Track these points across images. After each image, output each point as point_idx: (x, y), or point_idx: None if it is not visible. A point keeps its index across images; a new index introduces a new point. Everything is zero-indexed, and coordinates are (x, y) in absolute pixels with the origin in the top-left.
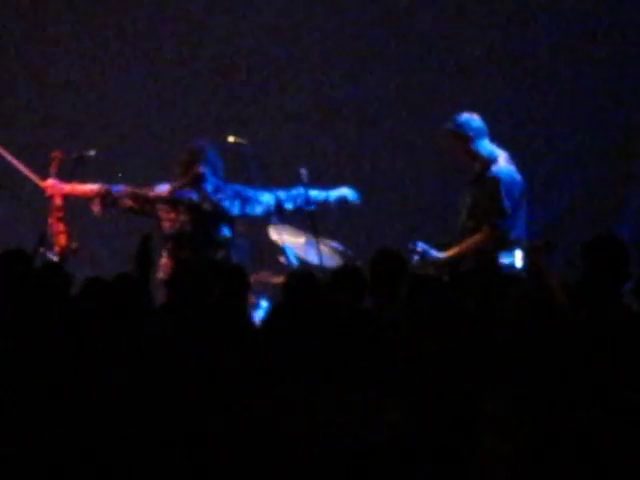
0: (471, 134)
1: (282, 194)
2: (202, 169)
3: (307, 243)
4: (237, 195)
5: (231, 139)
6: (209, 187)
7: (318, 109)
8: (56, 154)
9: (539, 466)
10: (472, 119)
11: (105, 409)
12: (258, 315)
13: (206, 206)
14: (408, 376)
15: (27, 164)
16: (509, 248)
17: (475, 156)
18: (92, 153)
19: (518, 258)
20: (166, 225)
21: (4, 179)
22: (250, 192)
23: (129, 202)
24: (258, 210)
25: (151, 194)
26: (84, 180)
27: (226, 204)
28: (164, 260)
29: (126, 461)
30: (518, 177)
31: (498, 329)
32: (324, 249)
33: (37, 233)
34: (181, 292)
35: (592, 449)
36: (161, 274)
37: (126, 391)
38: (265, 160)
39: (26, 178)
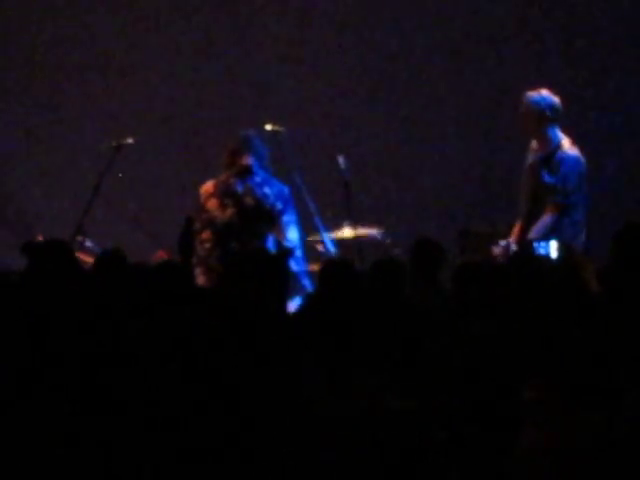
0: (550, 115)
1: (299, 251)
2: (249, 160)
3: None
4: (282, 197)
5: (269, 127)
6: (256, 179)
7: (357, 95)
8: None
9: (575, 457)
10: (555, 100)
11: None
12: (295, 303)
13: (249, 200)
14: (445, 363)
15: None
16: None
17: (544, 138)
18: (131, 141)
19: (554, 249)
20: (216, 219)
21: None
22: (293, 216)
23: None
24: (288, 233)
25: (201, 201)
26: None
27: (270, 199)
28: (214, 253)
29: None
30: (582, 160)
31: (534, 317)
32: (361, 232)
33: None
34: (229, 280)
35: (629, 441)
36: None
37: (168, 371)
38: (304, 148)
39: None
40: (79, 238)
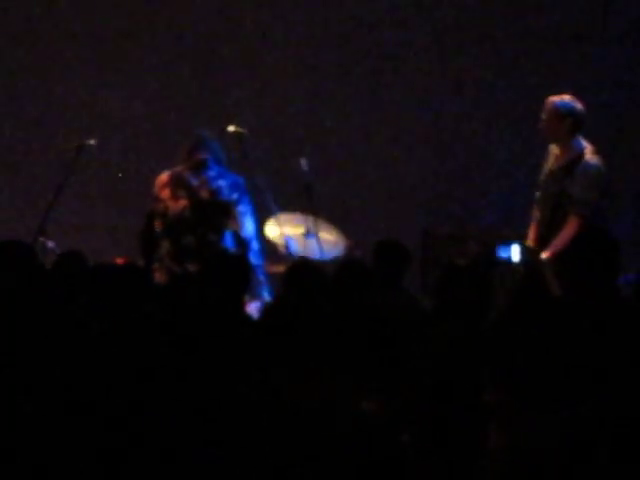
0: (571, 121)
1: (255, 243)
2: (204, 155)
3: (307, 234)
4: (237, 188)
5: (231, 128)
6: (211, 173)
7: (321, 100)
8: None
9: (538, 460)
10: (578, 107)
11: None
12: (256, 306)
13: (204, 193)
14: (407, 366)
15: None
16: None
17: (566, 144)
18: (93, 142)
19: (515, 253)
20: (168, 209)
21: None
22: (248, 206)
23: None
24: (244, 224)
25: (155, 190)
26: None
27: (225, 192)
28: (165, 245)
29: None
30: (605, 169)
31: (495, 320)
32: (325, 238)
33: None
34: (183, 279)
35: (589, 440)
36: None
37: (126, 372)
38: (265, 150)
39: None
40: (41, 239)
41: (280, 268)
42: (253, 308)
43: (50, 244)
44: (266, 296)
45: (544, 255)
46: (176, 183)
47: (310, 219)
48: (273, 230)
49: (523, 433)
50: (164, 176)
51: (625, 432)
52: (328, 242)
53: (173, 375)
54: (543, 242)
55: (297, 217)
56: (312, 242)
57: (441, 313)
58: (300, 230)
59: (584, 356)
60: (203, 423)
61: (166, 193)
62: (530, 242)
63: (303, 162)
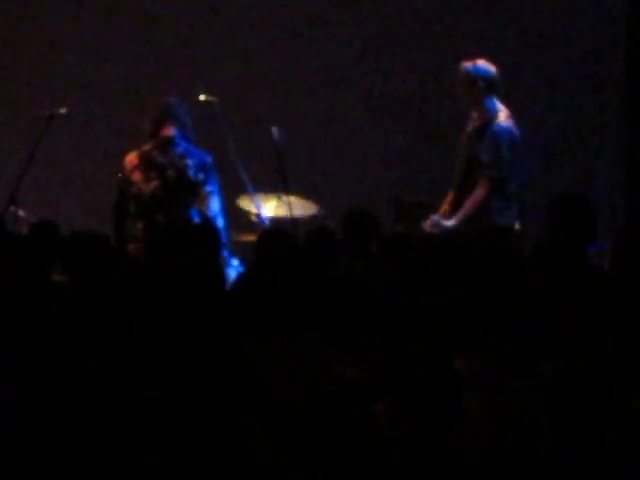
0: (483, 85)
1: (220, 220)
2: (171, 132)
3: (279, 203)
4: (204, 167)
5: (202, 97)
6: (178, 150)
7: (293, 70)
8: None
9: (514, 426)
10: (490, 70)
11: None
12: (230, 273)
13: (170, 172)
14: (378, 334)
15: None
16: (507, 200)
17: (480, 108)
18: (63, 111)
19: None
20: (141, 191)
21: None
22: (215, 186)
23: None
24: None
25: (126, 173)
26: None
27: (190, 172)
28: (140, 226)
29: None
30: (516, 132)
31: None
32: (296, 204)
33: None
34: (155, 249)
35: (558, 402)
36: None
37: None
38: (236, 119)
39: None
40: (12, 208)
41: (251, 237)
42: None
43: (22, 213)
44: (231, 272)
45: (451, 222)
46: (146, 164)
47: (281, 193)
48: (246, 203)
49: (498, 400)
50: (133, 157)
51: (597, 394)
52: (299, 205)
53: (150, 344)
54: (457, 207)
55: (269, 194)
56: (283, 206)
57: (410, 281)
58: (272, 201)
59: (555, 320)
60: (179, 393)
61: (137, 175)
62: (445, 206)
63: (274, 131)
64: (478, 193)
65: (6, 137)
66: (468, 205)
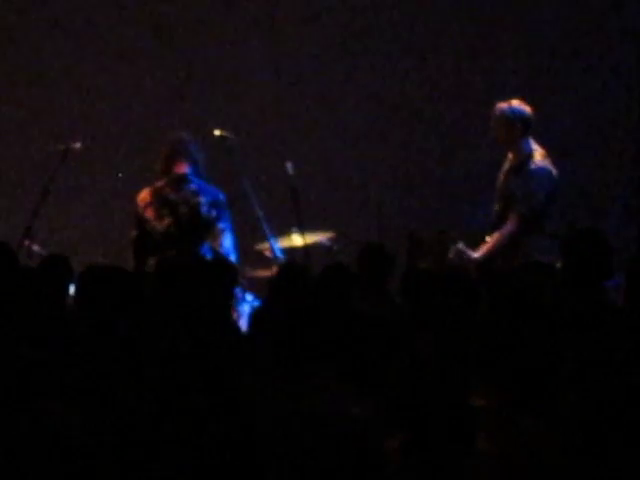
0: (520, 126)
1: (232, 257)
2: (184, 168)
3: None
4: (217, 205)
5: (217, 132)
6: (191, 187)
7: (305, 102)
8: None
9: (526, 463)
10: (525, 111)
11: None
12: (243, 309)
13: (183, 209)
14: (391, 372)
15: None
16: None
17: (516, 148)
18: (78, 146)
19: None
20: (154, 229)
21: None
22: (227, 223)
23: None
24: (223, 241)
25: (140, 210)
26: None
27: (203, 210)
28: (152, 263)
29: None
30: (554, 171)
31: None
32: (311, 239)
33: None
34: (167, 286)
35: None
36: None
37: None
38: (251, 154)
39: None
40: (26, 242)
41: (266, 272)
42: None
43: (36, 248)
44: (244, 310)
45: (477, 254)
46: (159, 202)
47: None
48: (262, 246)
49: (512, 437)
50: (145, 194)
51: (610, 432)
52: (312, 236)
53: (162, 379)
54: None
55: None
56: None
57: (424, 316)
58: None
59: (570, 358)
60: (195, 426)
61: (150, 213)
62: (482, 252)
63: (289, 166)
64: (506, 227)
65: (21, 171)
66: (495, 238)
